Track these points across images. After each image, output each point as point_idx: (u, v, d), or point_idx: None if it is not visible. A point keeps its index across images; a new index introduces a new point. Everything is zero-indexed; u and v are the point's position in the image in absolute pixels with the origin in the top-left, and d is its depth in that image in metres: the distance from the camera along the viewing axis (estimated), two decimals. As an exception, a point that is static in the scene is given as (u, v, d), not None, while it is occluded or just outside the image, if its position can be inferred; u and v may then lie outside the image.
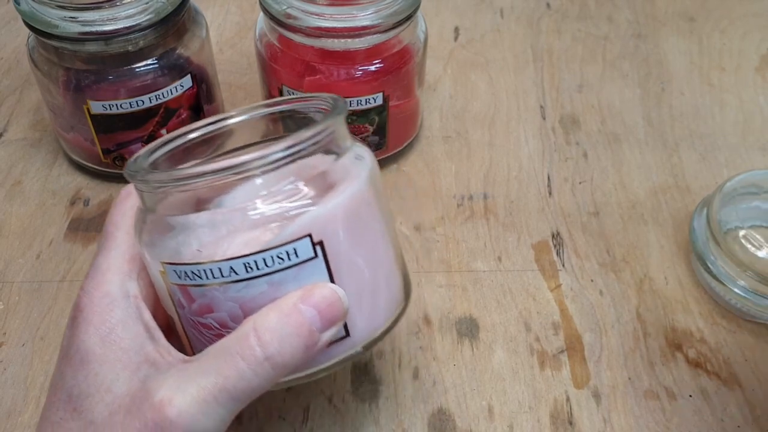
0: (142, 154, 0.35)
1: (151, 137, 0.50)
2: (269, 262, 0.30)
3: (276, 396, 0.42)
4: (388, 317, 0.34)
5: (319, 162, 0.32)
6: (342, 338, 0.33)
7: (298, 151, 0.30)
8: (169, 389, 0.29)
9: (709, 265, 0.45)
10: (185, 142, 0.37)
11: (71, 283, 0.48)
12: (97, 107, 0.48)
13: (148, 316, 0.33)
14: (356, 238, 0.32)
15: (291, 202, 0.31)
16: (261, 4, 0.48)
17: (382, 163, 0.55)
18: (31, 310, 0.46)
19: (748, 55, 0.65)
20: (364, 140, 0.52)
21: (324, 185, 0.32)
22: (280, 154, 0.30)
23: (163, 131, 0.51)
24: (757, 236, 0.46)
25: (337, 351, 0.33)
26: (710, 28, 0.68)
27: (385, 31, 0.47)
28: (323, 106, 0.36)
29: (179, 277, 0.32)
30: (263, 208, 0.31)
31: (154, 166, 0.35)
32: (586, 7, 0.71)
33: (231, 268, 0.30)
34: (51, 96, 0.50)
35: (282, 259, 0.30)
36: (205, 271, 0.31)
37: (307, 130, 0.31)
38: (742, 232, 0.47)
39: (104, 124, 0.49)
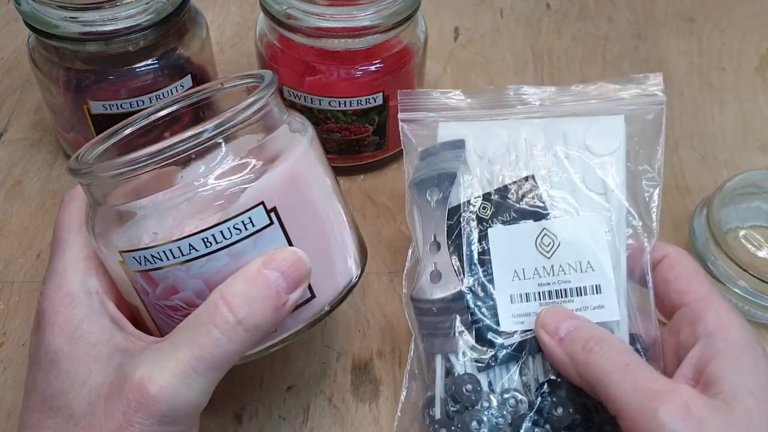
0: (84, 152, 0.35)
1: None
2: (227, 234, 0.31)
3: (276, 396, 0.42)
4: (349, 275, 0.36)
5: (258, 135, 0.33)
6: (308, 300, 0.33)
7: (231, 126, 0.31)
8: (146, 367, 0.29)
9: (709, 266, 0.45)
10: (122, 138, 0.37)
11: (71, 283, 0.48)
12: (97, 107, 0.48)
13: (113, 308, 0.33)
14: (307, 201, 0.34)
15: (238, 175, 0.31)
16: (261, 4, 0.48)
17: (382, 163, 0.55)
18: (31, 310, 0.46)
19: (748, 55, 0.65)
20: (364, 140, 0.52)
21: (267, 157, 0.33)
22: (213, 132, 0.30)
23: (166, 133, 0.51)
24: (757, 236, 0.46)
25: (306, 313, 0.34)
26: (710, 28, 0.68)
27: (385, 31, 0.47)
28: (254, 83, 0.36)
29: (139, 263, 0.32)
30: (212, 183, 0.31)
31: (101, 160, 0.35)
32: (586, 7, 0.71)
33: (190, 245, 0.31)
34: (51, 96, 0.50)
35: (239, 229, 0.31)
36: (164, 252, 0.31)
37: (236, 106, 0.31)
38: (742, 232, 0.47)
39: (105, 124, 0.49)
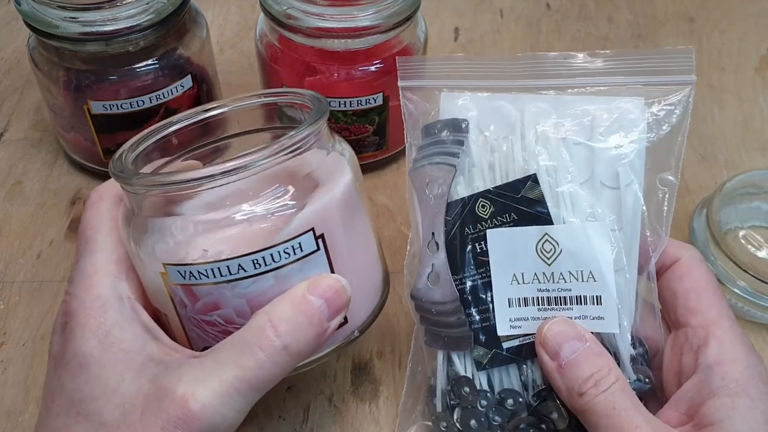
0: (127, 149, 0.35)
1: (152, 137, 0.51)
2: (276, 258, 0.31)
3: (276, 396, 0.42)
4: (377, 301, 0.36)
5: (306, 159, 0.33)
6: (341, 325, 0.34)
7: (283, 156, 0.31)
8: (188, 384, 0.29)
9: (709, 266, 0.45)
10: (165, 136, 0.37)
11: (71, 283, 0.48)
12: (97, 107, 0.48)
13: (146, 316, 0.33)
14: (349, 229, 0.34)
15: (287, 200, 0.32)
16: (261, 4, 0.48)
17: (382, 163, 0.55)
18: (32, 310, 0.46)
19: (748, 55, 0.65)
20: (364, 140, 0.52)
21: (314, 182, 0.33)
22: (264, 161, 0.31)
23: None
24: (757, 236, 0.46)
25: (337, 337, 0.34)
26: (710, 28, 0.68)
27: (385, 31, 0.47)
28: (300, 102, 0.36)
29: (184, 278, 0.32)
30: (264, 207, 0.31)
31: (137, 161, 0.35)
32: (586, 7, 0.71)
33: (240, 265, 0.31)
34: (51, 96, 0.50)
35: (288, 254, 0.32)
36: (212, 270, 0.31)
37: (292, 137, 0.31)
38: (741, 233, 0.47)
39: (105, 124, 0.49)
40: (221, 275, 0.31)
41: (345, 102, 0.49)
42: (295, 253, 0.32)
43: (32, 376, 0.43)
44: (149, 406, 0.29)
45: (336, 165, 0.35)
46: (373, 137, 0.52)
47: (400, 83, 0.39)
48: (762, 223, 0.50)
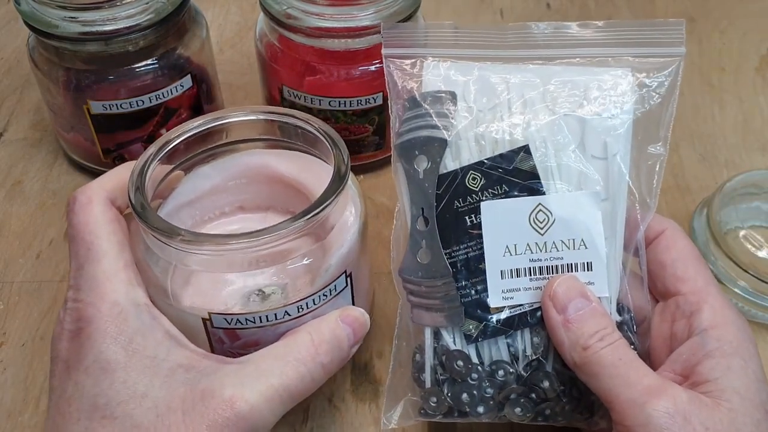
0: (136, 186, 0.34)
1: (151, 137, 0.50)
2: (317, 301, 0.35)
3: (276, 396, 0.42)
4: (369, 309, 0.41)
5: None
6: None
7: (318, 219, 0.33)
8: (235, 387, 0.30)
9: (710, 266, 0.45)
10: (176, 145, 0.37)
11: (71, 283, 0.48)
12: (97, 107, 0.48)
13: (167, 322, 0.33)
14: (365, 260, 0.38)
15: (311, 245, 0.34)
16: (261, 4, 0.48)
17: (382, 163, 0.55)
18: (31, 310, 0.46)
19: (748, 55, 0.65)
20: (363, 140, 0.52)
21: (335, 221, 0.35)
22: (300, 226, 0.32)
23: (163, 131, 0.51)
24: (757, 236, 0.46)
25: None
26: (710, 28, 0.68)
27: (385, 31, 0.47)
28: (315, 133, 0.37)
29: (229, 323, 0.34)
30: (306, 260, 0.34)
31: (142, 179, 0.35)
32: (586, 7, 0.71)
33: (286, 312, 0.34)
34: (51, 96, 0.50)
35: (326, 295, 0.35)
36: (260, 317, 0.33)
37: (322, 199, 0.33)
38: (742, 233, 0.47)
39: (104, 124, 0.49)
40: (268, 321, 0.34)
41: (345, 102, 0.49)
42: (331, 294, 0.35)
43: (32, 377, 0.43)
44: (192, 408, 0.30)
45: (347, 198, 0.36)
46: (372, 137, 0.52)
47: (383, 51, 0.38)
48: (762, 223, 0.49)
